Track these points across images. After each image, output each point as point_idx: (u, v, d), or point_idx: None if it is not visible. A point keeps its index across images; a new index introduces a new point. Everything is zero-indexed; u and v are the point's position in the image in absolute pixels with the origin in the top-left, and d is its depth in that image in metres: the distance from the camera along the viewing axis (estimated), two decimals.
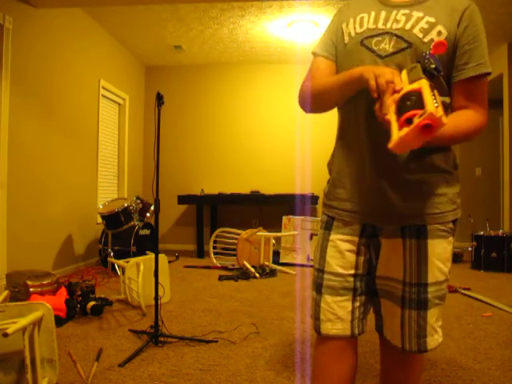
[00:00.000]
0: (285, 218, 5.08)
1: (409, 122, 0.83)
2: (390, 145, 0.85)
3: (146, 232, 4.63)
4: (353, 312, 1.09)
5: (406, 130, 0.83)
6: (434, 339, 1.07)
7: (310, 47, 5.51)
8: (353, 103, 1.08)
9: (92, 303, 2.74)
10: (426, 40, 1.00)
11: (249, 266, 4.34)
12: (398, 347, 1.09)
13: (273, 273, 4.34)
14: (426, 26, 1.01)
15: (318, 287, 1.12)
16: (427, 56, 0.92)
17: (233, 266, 4.65)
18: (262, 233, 4.56)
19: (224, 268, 4.67)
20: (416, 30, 1.01)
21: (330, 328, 1.08)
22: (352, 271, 1.10)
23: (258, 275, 4.18)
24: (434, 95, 0.84)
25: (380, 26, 1.06)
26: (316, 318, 1.12)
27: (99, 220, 4.64)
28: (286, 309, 3.02)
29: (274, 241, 4.74)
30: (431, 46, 0.94)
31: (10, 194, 3.39)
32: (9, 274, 2.93)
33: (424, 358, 1.17)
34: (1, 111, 3.30)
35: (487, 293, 3.49)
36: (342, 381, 1.09)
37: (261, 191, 5.94)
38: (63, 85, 4.21)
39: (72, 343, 2.28)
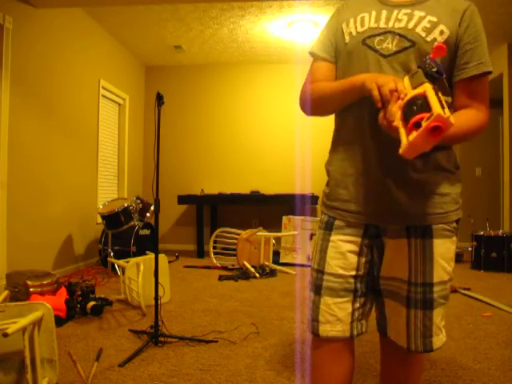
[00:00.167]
0: (285, 218, 5.08)
1: (417, 126, 0.83)
2: (401, 150, 0.86)
3: (146, 232, 4.63)
4: (352, 313, 1.09)
5: (414, 133, 0.83)
6: (439, 339, 1.07)
7: (311, 45, 5.51)
8: (355, 104, 1.08)
9: (92, 303, 2.74)
10: (428, 39, 1.01)
11: (249, 266, 4.34)
12: (403, 347, 1.08)
13: (273, 273, 4.34)
14: (428, 25, 1.02)
15: (317, 288, 1.11)
16: (428, 60, 0.92)
17: (233, 265, 4.65)
18: (262, 233, 4.56)
19: (224, 268, 4.66)
20: (419, 29, 1.02)
21: (330, 330, 1.08)
22: (353, 272, 1.09)
23: (258, 275, 4.18)
24: (439, 97, 0.84)
25: (382, 25, 1.06)
26: (314, 320, 1.10)
27: (99, 220, 4.64)
28: (285, 309, 3.02)
29: (273, 241, 4.74)
30: (431, 51, 0.94)
31: (9, 194, 3.39)
32: (9, 274, 2.93)
33: (424, 357, 1.17)
34: (1, 111, 3.30)
35: (487, 293, 3.49)
36: (341, 382, 1.09)
37: (261, 191, 5.94)
38: (63, 85, 4.21)
39: (72, 343, 2.28)
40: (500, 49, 5.26)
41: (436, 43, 0.96)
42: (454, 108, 1.06)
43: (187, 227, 6.31)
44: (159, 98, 2.34)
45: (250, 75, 6.31)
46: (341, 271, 1.09)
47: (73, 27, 4.37)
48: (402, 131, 0.87)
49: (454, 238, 1.08)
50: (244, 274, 4.18)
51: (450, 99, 1.06)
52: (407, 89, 0.91)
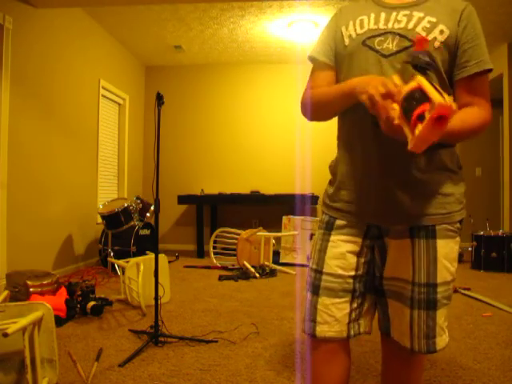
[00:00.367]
0: (285, 218, 5.08)
1: (420, 119, 0.83)
2: (410, 146, 0.86)
3: (146, 232, 4.63)
4: (350, 314, 1.09)
5: (420, 127, 0.83)
6: (443, 339, 1.06)
7: (310, 47, 5.51)
8: (355, 106, 1.07)
9: (92, 303, 2.74)
10: (429, 38, 1.02)
11: (249, 266, 4.34)
12: (406, 348, 1.08)
13: (273, 273, 4.34)
14: (428, 25, 1.02)
15: (315, 289, 1.11)
16: (415, 54, 0.92)
17: (233, 265, 4.65)
18: (262, 233, 4.56)
19: (224, 268, 4.66)
20: (419, 29, 1.02)
21: (327, 330, 1.08)
22: (352, 273, 1.09)
23: (258, 275, 4.18)
24: (434, 86, 0.84)
25: (381, 26, 1.07)
26: (311, 320, 1.10)
27: (99, 220, 4.64)
28: (285, 309, 3.02)
29: (273, 241, 4.74)
30: (413, 44, 0.93)
31: (10, 194, 3.39)
32: (9, 273, 2.93)
33: (425, 357, 1.17)
34: (1, 111, 3.30)
35: (487, 293, 3.49)
36: (338, 382, 1.09)
37: (261, 191, 5.94)
38: (63, 85, 4.21)
39: (72, 343, 2.29)
40: (500, 49, 5.26)
41: (417, 35, 0.96)
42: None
43: (187, 227, 6.31)
44: (159, 98, 2.34)
45: (250, 75, 6.31)
46: (340, 271, 1.09)
47: (73, 27, 4.37)
48: (406, 127, 0.87)
49: (458, 239, 1.08)
50: (244, 274, 4.18)
51: (451, 99, 1.07)
52: (400, 86, 0.90)
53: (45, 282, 2.83)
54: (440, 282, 1.05)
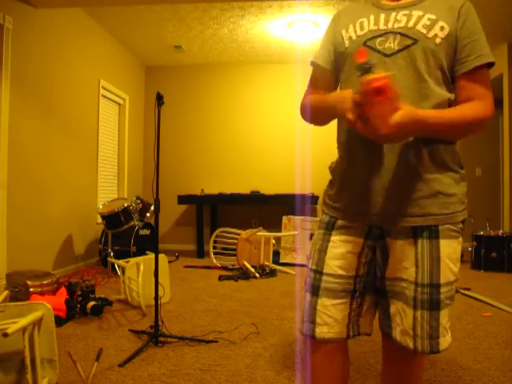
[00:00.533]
0: (285, 218, 5.08)
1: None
2: (380, 131, 0.91)
3: (146, 232, 4.63)
4: (350, 314, 1.09)
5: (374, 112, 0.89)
6: (446, 340, 1.06)
7: (310, 47, 5.52)
8: None
9: (92, 303, 2.74)
10: (430, 35, 1.02)
11: (249, 266, 4.34)
12: (408, 348, 1.07)
13: (273, 273, 4.34)
14: (428, 23, 1.03)
15: (315, 289, 1.10)
16: (362, 66, 0.96)
17: (233, 265, 4.65)
18: (262, 233, 4.56)
19: (224, 268, 4.66)
20: (419, 27, 1.03)
21: (327, 332, 1.07)
22: (353, 273, 1.09)
23: (258, 275, 4.18)
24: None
25: (381, 26, 1.07)
26: (310, 322, 1.09)
27: (99, 220, 4.65)
28: (285, 309, 3.02)
29: (273, 241, 4.74)
30: (356, 57, 0.99)
31: (10, 194, 3.39)
32: (9, 274, 2.93)
33: (425, 357, 1.17)
34: (1, 111, 3.30)
35: (487, 293, 3.50)
36: (338, 383, 1.10)
37: (261, 191, 5.94)
38: (63, 85, 4.21)
39: (72, 343, 2.29)
40: (500, 49, 5.26)
41: (355, 52, 1.04)
42: (458, 102, 1.06)
43: (187, 227, 6.31)
44: (159, 98, 2.34)
45: (250, 75, 6.31)
46: (340, 272, 1.09)
47: (73, 27, 4.37)
48: (375, 120, 0.92)
49: (460, 239, 1.08)
50: (244, 274, 4.18)
51: (452, 96, 1.07)
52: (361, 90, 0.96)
53: (45, 282, 2.83)
54: (443, 282, 1.04)
